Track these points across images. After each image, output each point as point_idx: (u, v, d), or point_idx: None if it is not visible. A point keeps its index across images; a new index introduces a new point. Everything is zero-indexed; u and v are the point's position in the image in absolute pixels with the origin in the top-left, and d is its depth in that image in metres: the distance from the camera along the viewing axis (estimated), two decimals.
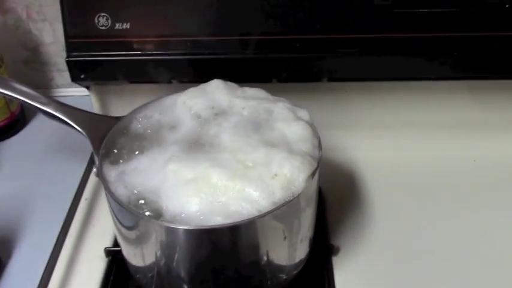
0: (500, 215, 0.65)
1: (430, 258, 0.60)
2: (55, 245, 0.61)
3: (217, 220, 0.44)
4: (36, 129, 0.83)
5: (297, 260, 0.53)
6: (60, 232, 0.63)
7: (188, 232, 0.44)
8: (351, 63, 0.66)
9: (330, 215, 0.65)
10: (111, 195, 0.46)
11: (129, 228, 0.48)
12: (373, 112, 0.73)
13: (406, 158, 0.72)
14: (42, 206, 0.68)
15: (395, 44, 0.64)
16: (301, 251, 0.53)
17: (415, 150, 0.73)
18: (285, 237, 0.48)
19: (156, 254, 0.48)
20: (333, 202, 0.67)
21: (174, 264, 0.48)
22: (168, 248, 0.47)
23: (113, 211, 0.49)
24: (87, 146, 0.52)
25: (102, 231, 0.63)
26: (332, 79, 0.68)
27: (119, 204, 0.46)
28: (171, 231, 0.45)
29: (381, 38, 0.64)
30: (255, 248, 0.47)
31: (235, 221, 0.43)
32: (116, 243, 0.60)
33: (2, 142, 0.80)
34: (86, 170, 0.71)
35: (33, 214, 0.67)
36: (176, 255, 0.47)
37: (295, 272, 0.54)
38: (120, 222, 0.49)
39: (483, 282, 0.57)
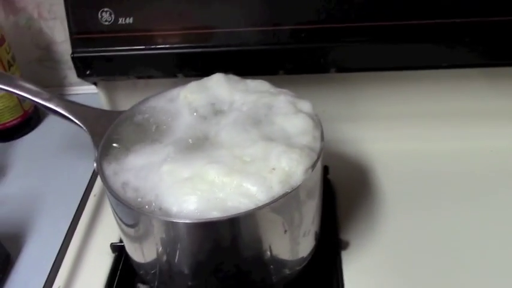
0: None
1: (443, 255, 0.58)
2: (63, 240, 0.61)
3: (214, 215, 0.43)
4: (50, 128, 0.84)
5: (301, 254, 0.52)
6: (69, 228, 0.63)
7: (185, 226, 0.43)
8: (360, 53, 0.64)
9: (340, 209, 0.63)
10: (109, 190, 0.46)
11: (128, 223, 0.48)
12: (383, 103, 0.71)
13: (419, 149, 0.70)
14: (53, 202, 0.69)
15: (405, 32, 0.62)
16: (305, 245, 0.52)
17: (428, 141, 0.71)
18: (285, 231, 0.47)
19: (156, 249, 0.48)
20: (344, 195, 0.65)
21: (175, 260, 0.47)
22: (167, 243, 0.46)
23: (112, 206, 0.49)
24: None
25: (110, 227, 0.63)
26: (340, 70, 0.66)
27: (117, 199, 0.45)
28: (168, 226, 0.44)
29: (390, 26, 0.62)
30: (255, 241, 0.46)
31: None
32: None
33: (15, 140, 0.81)
34: None
35: (44, 210, 0.68)
36: (175, 251, 0.46)
37: (299, 267, 0.53)
38: (120, 218, 0.49)
39: (496, 279, 0.55)
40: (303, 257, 0.52)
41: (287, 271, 0.51)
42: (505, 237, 0.59)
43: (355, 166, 0.70)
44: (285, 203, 0.44)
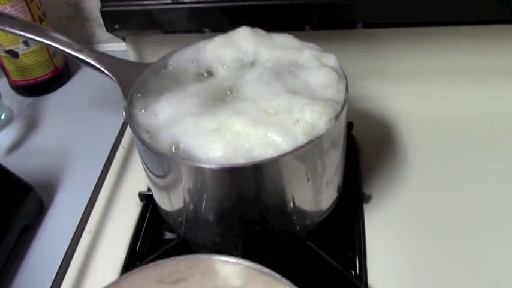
0: None
1: (463, 212, 0.58)
2: (94, 189, 0.64)
3: (240, 161, 0.44)
4: (79, 83, 0.86)
5: (323, 204, 0.53)
6: (99, 178, 0.65)
7: (211, 171, 0.45)
8: (387, 8, 0.64)
9: (363, 164, 0.64)
10: (137, 136, 0.47)
11: (155, 171, 0.50)
12: (409, 60, 0.70)
13: (444, 107, 0.70)
14: (83, 153, 0.71)
15: None
16: (328, 195, 0.53)
17: (454, 99, 0.70)
18: (308, 179, 0.48)
19: (183, 197, 0.49)
20: (367, 151, 0.66)
21: (201, 207, 0.49)
22: (193, 190, 0.48)
23: (140, 153, 0.50)
24: None
25: (138, 178, 0.65)
26: (367, 25, 0.66)
27: (144, 145, 0.47)
28: (194, 171, 0.46)
29: None
30: (278, 189, 0.47)
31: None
32: (150, 188, 0.62)
33: (47, 95, 0.83)
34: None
35: (74, 161, 0.70)
36: (202, 198, 0.48)
37: (322, 218, 0.54)
38: (147, 165, 0.50)
39: None
40: (325, 207, 0.54)
41: (310, 220, 0.53)
42: None
43: (379, 123, 0.70)
44: (308, 151, 0.45)
